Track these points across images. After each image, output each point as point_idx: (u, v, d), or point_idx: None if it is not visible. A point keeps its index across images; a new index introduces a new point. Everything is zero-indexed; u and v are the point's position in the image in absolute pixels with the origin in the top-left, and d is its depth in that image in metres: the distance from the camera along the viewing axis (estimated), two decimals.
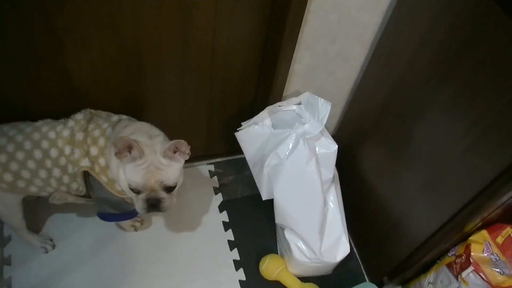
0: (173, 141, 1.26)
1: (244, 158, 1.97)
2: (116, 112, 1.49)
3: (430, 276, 1.48)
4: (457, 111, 1.24)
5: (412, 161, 1.45)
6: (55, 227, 1.65)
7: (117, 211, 1.47)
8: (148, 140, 1.31)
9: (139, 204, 1.32)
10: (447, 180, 1.32)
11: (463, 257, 1.33)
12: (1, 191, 1.34)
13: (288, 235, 1.56)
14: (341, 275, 1.71)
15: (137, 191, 1.29)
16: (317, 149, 1.48)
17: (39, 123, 1.36)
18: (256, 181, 1.58)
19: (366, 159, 1.67)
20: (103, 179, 1.34)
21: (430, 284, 1.48)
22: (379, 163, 1.60)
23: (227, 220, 1.78)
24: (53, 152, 1.32)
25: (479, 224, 1.32)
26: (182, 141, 1.27)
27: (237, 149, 1.95)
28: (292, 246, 1.55)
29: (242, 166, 1.94)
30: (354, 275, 1.74)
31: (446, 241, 1.40)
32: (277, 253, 1.72)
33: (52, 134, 1.33)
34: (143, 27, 1.31)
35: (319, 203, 1.47)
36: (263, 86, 1.61)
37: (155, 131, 1.38)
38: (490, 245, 1.31)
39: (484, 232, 1.32)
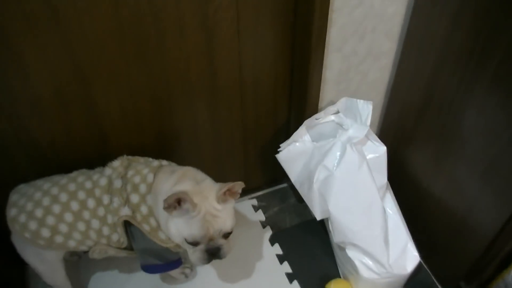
0: (227, 184, 1.20)
1: (286, 187, 1.91)
2: (149, 150, 1.44)
3: None
4: (505, 85, 1.17)
5: (464, 153, 1.36)
6: (101, 285, 1.55)
7: (161, 262, 1.37)
8: (196, 186, 1.23)
9: (197, 256, 1.23)
10: (506, 165, 1.23)
11: None
12: (39, 248, 1.25)
13: (350, 252, 1.44)
14: None
15: (195, 244, 1.21)
16: (365, 154, 1.39)
17: (74, 173, 1.31)
18: (306, 201, 1.48)
19: (415, 160, 1.57)
20: (145, 228, 1.26)
21: None
22: (430, 162, 1.51)
23: (281, 253, 1.66)
24: (91, 203, 1.25)
25: None
26: (239, 182, 1.20)
27: (277, 179, 1.90)
28: (357, 264, 1.42)
29: (285, 195, 1.86)
30: (427, 286, 1.59)
31: None
32: (340, 277, 1.58)
33: (88, 184, 1.27)
34: (168, 52, 1.27)
35: (378, 210, 1.36)
36: (296, 101, 1.55)
37: (200, 175, 1.30)
38: None
39: None
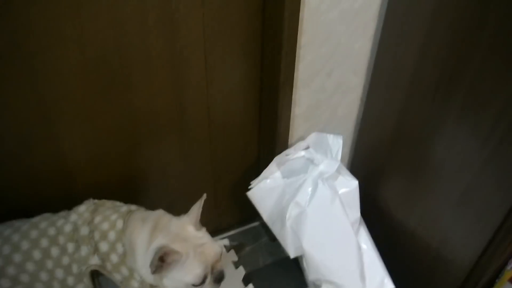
0: (195, 209, 1.20)
1: (258, 225, 1.87)
2: (117, 191, 1.39)
3: None
4: (472, 115, 1.19)
5: (437, 185, 1.37)
6: None
7: None
8: (171, 234, 1.19)
9: None
10: (480, 192, 1.24)
11: None
12: None
13: None
14: None
15: (203, 280, 1.16)
16: (337, 189, 1.38)
17: (37, 219, 1.23)
18: (279, 239, 1.45)
19: (388, 194, 1.57)
20: (116, 277, 1.19)
21: None
22: (403, 195, 1.51)
23: None
24: (54, 251, 1.17)
25: None
26: (203, 197, 1.22)
27: (248, 218, 1.86)
28: None
29: (257, 234, 1.82)
30: None
31: (500, 256, 1.28)
32: None
33: (52, 231, 1.20)
34: (135, 90, 1.25)
35: (353, 246, 1.34)
36: (266, 138, 1.54)
37: (169, 218, 1.25)
38: None
39: None
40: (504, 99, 1.10)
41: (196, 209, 1.21)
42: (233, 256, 1.73)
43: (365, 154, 1.60)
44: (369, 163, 1.61)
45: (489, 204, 1.23)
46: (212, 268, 1.18)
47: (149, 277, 1.20)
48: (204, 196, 1.23)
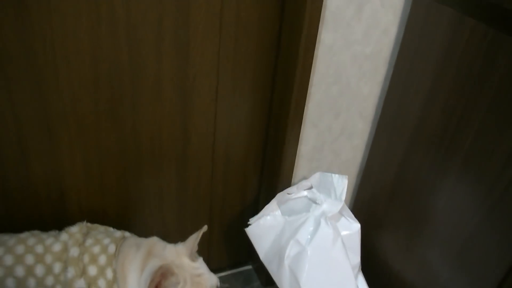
0: (192, 239, 1.17)
1: (250, 269, 1.80)
2: (111, 216, 1.35)
3: None
4: (474, 172, 1.20)
5: (437, 237, 1.35)
6: None
7: None
8: (167, 260, 1.15)
9: None
10: (481, 245, 1.22)
11: None
12: None
13: None
14: None
15: None
16: (339, 230, 1.34)
17: (25, 234, 1.17)
18: (275, 279, 1.39)
19: (387, 243, 1.53)
20: None
21: None
22: (402, 245, 1.47)
23: None
24: (39, 270, 1.11)
25: None
26: (203, 228, 1.18)
27: (241, 261, 1.80)
28: None
29: (248, 278, 1.75)
30: None
31: None
32: None
33: (39, 248, 1.13)
34: (142, 115, 1.24)
35: (352, 286, 1.29)
36: (268, 177, 1.52)
37: (163, 245, 1.22)
38: None
39: None
40: (509, 149, 1.11)
41: (193, 239, 1.18)
42: None
43: (366, 201, 1.58)
44: (369, 210, 1.58)
45: (491, 257, 1.21)
46: None
47: None
48: (205, 227, 1.20)
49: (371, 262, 1.55)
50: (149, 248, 1.18)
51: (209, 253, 1.67)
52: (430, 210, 1.36)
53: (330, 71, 1.31)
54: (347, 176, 1.34)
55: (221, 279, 1.71)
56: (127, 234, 1.26)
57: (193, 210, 1.52)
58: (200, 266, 1.17)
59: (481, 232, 1.21)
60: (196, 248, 1.20)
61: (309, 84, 1.29)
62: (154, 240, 1.22)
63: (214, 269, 1.74)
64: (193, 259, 1.17)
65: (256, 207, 1.59)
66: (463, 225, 1.26)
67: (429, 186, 1.35)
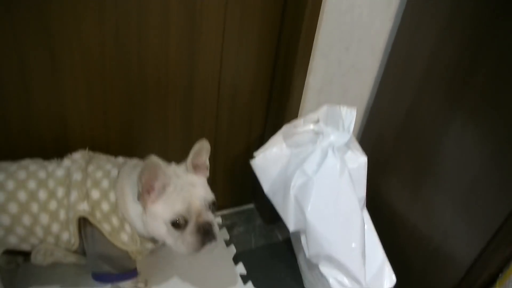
0: (193, 149, 1.14)
1: (252, 208, 1.81)
2: (114, 147, 1.34)
3: None
4: (483, 113, 1.19)
5: (442, 178, 1.35)
6: None
7: (116, 270, 1.22)
8: (165, 168, 1.14)
9: (188, 241, 1.10)
10: (483, 190, 1.23)
11: None
12: None
13: (324, 269, 1.34)
14: None
15: (183, 222, 1.08)
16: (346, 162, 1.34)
17: (26, 161, 1.16)
18: (279, 211, 1.39)
19: (392, 185, 1.54)
20: (105, 228, 1.12)
21: None
22: (407, 187, 1.48)
23: (245, 273, 1.53)
24: (42, 194, 1.10)
25: None
26: (204, 143, 1.15)
27: (243, 200, 1.80)
28: (331, 282, 1.32)
29: (251, 216, 1.77)
30: None
31: (501, 254, 1.25)
32: None
33: (42, 174, 1.12)
34: (148, 40, 1.21)
35: (358, 221, 1.29)
36: (274, 110, 1.50)
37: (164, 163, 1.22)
38: None
39: None
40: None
41: (192, 153, 1.15)
42: (224, 234, 1.67)
43: (372, 140, 1.57)
44: (375, 150, 1.58)
45: (492, 203, 1.21)
46: (198, 216, 1.11)
47: (139, 225, 1.14)
48: (204, 141, 1.16)
49: (374, 202, 1.55)
50: None
51: (212, 191, 1.66)
52: (436, 154, 1.35)
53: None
54: (355, 108, 1.32)
55: (224, 216, 1.73)
56: (129, 161, 1.25)
57: None
58: (198, 182, 1.15)
59: (485, 177, 1.22)
60: (198, 160, 1.18)
61: (321, 10, 1.26)
62: (152, 158, 1.20)
63: (217, 207, 1.75)
64: (190, 172, 1.16)
65: (261, 144, 1.58)
66: (469, 167, 1.26)
67: (436, 130, 1.34)
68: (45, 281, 1.38)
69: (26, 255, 1.37)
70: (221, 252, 1.59)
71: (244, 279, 1.51)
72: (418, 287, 1.49)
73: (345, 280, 1.32)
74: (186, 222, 1.09)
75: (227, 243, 1.63)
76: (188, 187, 1.10)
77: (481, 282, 1.32)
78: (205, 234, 1.10)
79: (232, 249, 1.61)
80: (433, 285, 1.43)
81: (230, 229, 1.69)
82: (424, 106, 1.37)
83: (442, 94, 1.30)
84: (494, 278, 1.31)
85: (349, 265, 1.28)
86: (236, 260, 1.57)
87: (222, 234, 1.66)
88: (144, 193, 1.08)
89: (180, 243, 1.10)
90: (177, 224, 1.08)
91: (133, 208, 1.13)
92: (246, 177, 1.70)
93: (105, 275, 1.22)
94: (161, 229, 1.10)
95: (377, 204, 1.56)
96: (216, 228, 1.14)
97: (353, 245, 1.28)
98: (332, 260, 1.31)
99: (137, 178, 1.06)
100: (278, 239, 1.69)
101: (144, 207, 1.10)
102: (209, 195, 1.15)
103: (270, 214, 1.72)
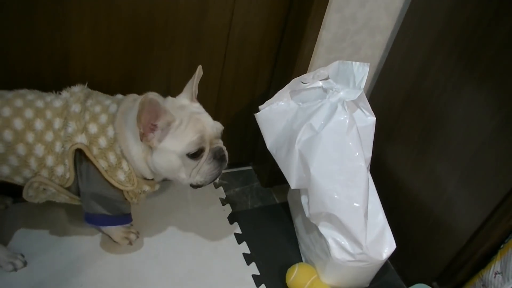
0: (186, 87, 1.16)
1: (250, 170, 1.76)
2: (114, 84, 1.28)
3: (496, 266, 1.26)
4: (498, 78, 1.16)
5: (447, 146, 1.32)
6: (25, 242, 1.29)
7: (110, 213, 1.17)
8: (164, 103, 1.12)
9: (205, 169, 1.12)
10: (488, 159, 1.21)
11: None
12: None
13: (324, 229, 1.30)
14: None
15: (199, 152, 1.08)
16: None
17: (24, 91, 1.10)
18: (282, 167, 1.34)
19: (396, 152, 1.50)
20: (101, 164, 1.07)
21: (498, 275, 1.25)
22: (411, 155, 1.44)
23: (240, 232, 1.49)
24: (39, 124, 1.04)
25: None
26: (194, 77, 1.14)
27: (242, 161, 1.75)
28: (330, 243, 1.29)
29: (248, 178, 1.72)
30: (393, 287, 1.47)
31: (503, 226, 1.22)
32: None
33: (39, 103, 1.07)
34: None
35: (363, 181, 1.25)
36: (283, 63, 1.44)
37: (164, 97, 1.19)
38: None
39: None
40: None
41: (191, 83, 1.15)
42: (221, 193, 1.62)
43: (380, 105, 1.52)
44: (382, 115, 1.52)
45: (497, 173, 1.19)
46: (211, 143, 1.11)
47: (140, 163, 1.10)
48: (199, 68, 1.15)
49: (378, 166, 1.51)
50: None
51: None
52: (445, 117, 1.32)
53: None
54: (368, 64, 1.27)
55: (221, 176, 1.67)
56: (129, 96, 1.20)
57: (200, 96, 1.45)
58: (201, 108, 1.16)
59: (493, 143, 1.19)
60: (196, 91, 1.17)
61: None
62: (152, 94, 1.15)
63: None
64: (193, 101, 1.16)
65: (264, 101, 1.53)
66: (477, 135, 1.23)
67: (448, 90, 1.30)
68: (35, 224, 1.33)
69: (15, 197, 1.32)
70: (217, 210, 1.55)
71: (239, 238, 1.47)
72: (417, 256, 1.46)
73: (345, 242, 1.28)
74: (202, 151, 1.09)
75: (223, 202, 1.58)
76: (196, 116, 1.09)
77: (482, 252, 1.30)
78: (221, 160, 1.13)
79: (228, 208, 1.56)
80: (433, 255, 1.40)
81: (227, 189, 1.64)
82: (435, 68, 1.33)
83: (456, 56, 1.26)
84: (495, 249, 1.29)
85: (351, 225, 1.24)
86: (231, 219, 1.53)
87: (218, 193, 1.62)
88: (147, 133, 1.04)
89: (195, 174, 1.11)
90: (194, 154, 1.08)
91: (133, 146, 1.09)
92: (247, 138, 1.65)
93: (98, 217, 1.17)
94: (174, 164, 1.08)
95: (380, 169, 1.52)
96: (226, 153, 1.17)
97: (356, 204, 1.24)
98: (333, 220, 1.27)
99: (136, 119, 1.02)
100: (275, 202, 1.65)
101: (150, 146, 1.07)
102: (218, 123, 1.15)
103: (268, 177, 1.67)
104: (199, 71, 1.15)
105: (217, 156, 1.13)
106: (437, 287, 1.38)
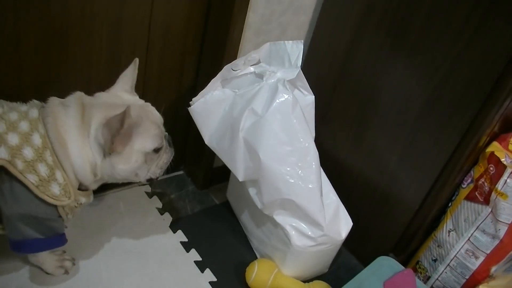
0: (122, 77, 1.09)
1: (182, 174, 1.64)
2: (26, 91, 1.10)
3: (448, 224, 1.29)
4: (425, 49, 1.20)
5: (384, 121, 1.34)
6: None
7: (43, 235, 0.99)
8: (105, 101, 1.03)
9: (164, 158, 1.10)
10: (423, 136, 1.25)
11: (490, 170, 1.17)
12: None
13: (280, 218, 1.24)
14: (337, 272, 1.42)
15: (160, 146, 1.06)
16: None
17: None
18: (226, 160, 1.25)
19: (334, 131, 1.49)
20: (31, 179, 0.91)
21: (451, 232, 1.28)
22: (350, 133, 1.44)
23: (186, 240, 1.36)
24: None
25: (487, 139, 1.21)
26: (131, 67, 1.09)
27: (171, 167, 1.61)
28: (289, 230, 1.23)
29: (181, 183, 1.60)
30: (351, 268, 1.45)
31: (451, 184, 1.25)
32: None
33: None
34: None
35: (314, 159, 1.19)
36: (210, 52, 1.36)
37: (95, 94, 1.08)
38: (507, 154, 1.20)
39: (495, 144, 1.21)
40: (451, 40, 1.13)
41: (130, 73, 1.08)
42: (156, 202, 1.47)
43: (312, 84, 1.47)
44: (315, 95, 1.50)
45: (436, 140, 1.22)
46: (163, 132, 1.10)
47: (86, 170, 0.97)
48: (136, 60, 1.08)
49: (317, 147, 1.48)
50: (79, 101, 1.00)
51: None
52: (380, 92, 1.33)
53: None
54: (302, 41, 1.24)
55: (152, 185, 1.54)
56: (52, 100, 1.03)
57: None
58: (141, 100, 1.11)
59: (428, 112, 1.22)
60: (134, 81, 1.09)
61: None
62: (79, 94, 1.03)
63: None
64: (133, 94, 1.10)
65: (192, 92, 1.42)
66: (412, 105, 1.25)
67: (375, 72, 1.32)
68: None
69: None
70: (156, 220, 1.40)
71: (186, 246, 1.35)
72: (369, 231, 1.45)
73: (304, 226, 1.22)
74: (162, 141, 1.06)
75: (161, 212, 1.44)
76: (146, 108, 1.06)
77: (433, 215, 1.32)
78: (170, 144, 1.13)
79: (168, 217, 1.43)
80: (385, 228, 1.40)
81: (161, 197, 1.50)
82: (364, 44, 1.34)
83: (383, 32, 1.28)
84: (444, 209, 1.32)
85: (309, 207, 1.19)
86: (173, 228, 1.39)
87: (153, 203, 1.47)
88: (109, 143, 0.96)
89: (155, 166, 1.08)
90: (159, 148, 1.05)
91: (78, 151, 0.96)
92: (176, 139, 1.52)
93: (28, 242, 0.98)
94: (139, 163, 1.03)
95: (319, 149, 1.49)
96: None
97: (311, 186, 1.19)
98: (288, 206, 1.21)
99: (101, 135, 0.95)
100: (215, 203, 1.55)
101: (110, 152, 0.98)
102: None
103: (203, 179, 1.57)
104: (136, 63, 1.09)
105: (170, 143, 1.11)
106: (394, 258, 1.38)
